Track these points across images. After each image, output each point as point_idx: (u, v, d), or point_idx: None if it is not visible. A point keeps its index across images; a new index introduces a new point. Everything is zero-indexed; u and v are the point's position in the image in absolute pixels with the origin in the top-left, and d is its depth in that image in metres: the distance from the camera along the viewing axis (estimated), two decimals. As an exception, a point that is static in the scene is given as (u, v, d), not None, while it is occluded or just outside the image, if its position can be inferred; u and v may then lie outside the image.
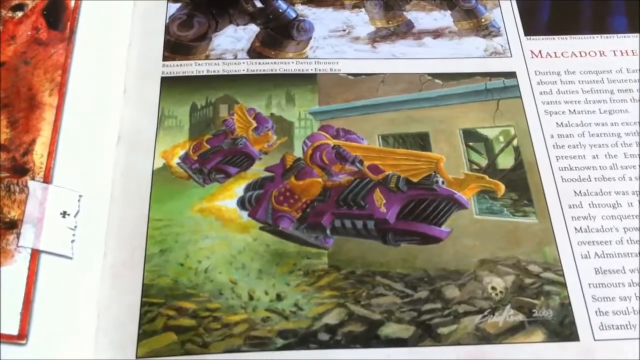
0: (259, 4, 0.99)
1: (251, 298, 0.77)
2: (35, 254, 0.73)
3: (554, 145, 0.87)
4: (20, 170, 0.76)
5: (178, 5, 0.99)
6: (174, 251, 0.79)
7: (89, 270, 0.76)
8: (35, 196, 0.75)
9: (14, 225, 0.74)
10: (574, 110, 0.90)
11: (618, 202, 0.83)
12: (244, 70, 0.93)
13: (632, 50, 0.96)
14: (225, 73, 0.92)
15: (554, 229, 0.81)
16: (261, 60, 0.94)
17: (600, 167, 0.85)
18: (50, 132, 0.79)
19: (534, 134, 0.88)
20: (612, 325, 0.76)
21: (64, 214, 0.76)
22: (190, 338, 0.74)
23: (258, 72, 0.93)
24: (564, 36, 0.97)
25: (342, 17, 1.00)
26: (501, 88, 0.91)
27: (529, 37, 0.97)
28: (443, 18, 1.00)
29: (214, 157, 0.89)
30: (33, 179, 0.76)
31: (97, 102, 0.85)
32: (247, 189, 0.85)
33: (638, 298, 0.77)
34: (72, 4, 0.89)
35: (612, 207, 0.83)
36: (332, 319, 0.76)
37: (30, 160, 0.77)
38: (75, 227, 0.76)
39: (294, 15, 0.99)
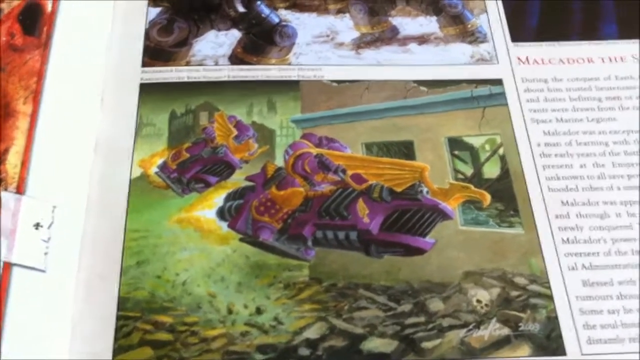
0: (241, 9, 0.98)
1: (230, 312, 0.75)
2: (7, 267, 0.71)
3: (540, 154, 0.86)
4: (-7, 180, 0.75)
5: (158, 9, 0.97)
6: (151, 263, 0.78)
7: (63, 283, 0.74)
8: (8, 207, 0.73)
9: (-15, 237, 0.72)
10: (561, 119, 0.88)
11: (606, 212, 0.82)
12: (225, 76, 0.91)
13: (621, 57, 0.94)
14: (206, 80, 0.91)
15: (540, 240, 0.80)
16: (243, 67, 0.93)
17: (587, 176, 0.84)
18: (24, 141, 0.78)
19: (520, 143, 0.87)
20: (600, 340, 0.74)
21: (37, 225, 0.74)
22: (167, 353, 0.72)
23: (239, 79, 0.91)
24: (552, 42, 0.96)
25: (326, 23, 0.99)
26: (487, 95, 0.90)
27: (516, 43, 0.96)
28: (429, 24, 0.99)
29: (194, 166, 0.87)
30: (6, 189, 0.74)
31: (74, 109, 0.83)
32: (227, 198, 0.84)
33: (626, 311, 0.76)
34: (49, 8, 0.87)
35: (600, 218, 0.81)
36: (313, 333, 0.74)
37: (2, 170, 0.75)
38: (49, 239, 0.74)
39: (276, 20, 0.98)
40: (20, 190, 0.75)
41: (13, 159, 0.76)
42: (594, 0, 1.01)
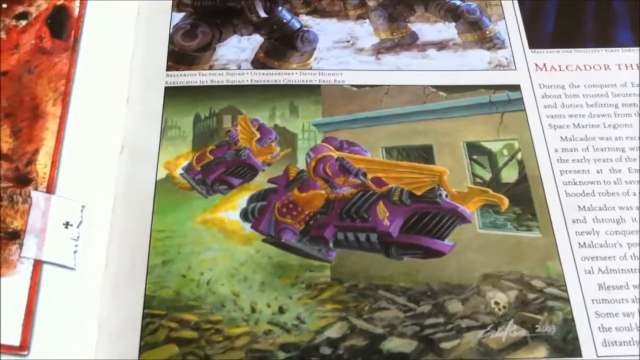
0: (263, 14, 0.99)
1: (253, 311, 0.76)
2: (37, 265, 0.73)
3: (558, 160, 0.87)
4: (24, 180, 0.76)
5: (182, 15, 0.99)
6: (176, 262, 0.79)
7: (91, 281, 0.76)
8: (38, 206, 0.75)
9: (16, 236, 0.73)
10: (578, 124, 0.89)
11: (622, 217, 0.83)
12: (247, 80, 0.92)
13: (637, 64, 0.95)
14: (229, 83, 0.92)
15: (557, 244, 0.81)
16: (265, 71, 0.94)
17: (604, 181, 0.85)
18: (53, 141, 0.79)
19: (538, 148, 0.88)
20: (615, 342, 0.75)
21: (67, 224, 0.75)
22: (192, 350, 0.74)
23: (262, 83, 0.92)
24: (569, 49, 0.97)
25: (346, 28, 1.00)
26: (505, 101, 0.91)
27: (533, 49, 0.97)
28: (447, 30, 1.00)
29: (217, 168, 0.88)
30: (36, 189, 0.76)
31: (101, 111, 0.85)
32: (250, 200, 0.85)
33: (641, 314, 0.77)
34: (77, 12, 0.89)
35: (616, 223, 0.82)
36: (334, 332, 0.75)
37: (33, 170, 0.77)
38: (78, 237, 0.76)
39: (298, 25, 0.99)
40: (50, 189, 0.76)
41: (43, 160, 0.78)
42: (607, 5, 1.02)
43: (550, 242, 0.81)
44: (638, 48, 0.97)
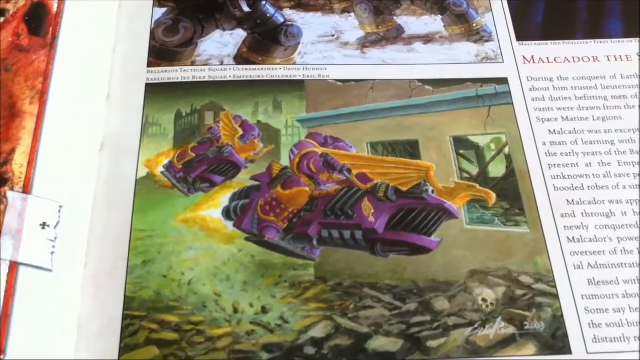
0: (246, 9, 0.98)
1: (236, 311, 0.75)
2: (13, 267, 0.71)
3: (546, 153, 0.86)
4: (-1, 180, 0.75)
5: (164, 10, 0.97)
6: (157, 262, 0.78)
7: (70, 282, 0.74)
8: (14, 207, 0.73)
9: (-9, 237, 0.72)
10: (567, 117, 0.88)
11: (612, 211, 0.82)
12: (230, 76, 0.91)
13: (627, 56, 0.94)
14: (211, 79, 0.91)
15: (546, 239, 0.80)
16: (248, 67, 0.93)
17: (593, 175, 0.84)
18: (30, 141, 0.78)
19: (525, 142, 0.87)
20: (606, 338, 0.74)
21: (44, 225, 0.74)
22: (173, 352, 0.72)
23: (245, 79, 0.91)
24: (557, 41, 0.96)
25: (331, 22, 0.99)
26: (492, 94, 0.90)
27: (521, 42, 0.96)
28: (434, 23, 0.99)
29: (199, 165, 0.87)
30: (12, 189, 0.74)
31: (80, 109, 0.83)
32: (233, 198, 0.84)
33: (632, 310, 0.76)
34: (55, 9, 0.88)
35: (605, 217, 0.81)
36: (318, 332, 0.74)
37: (9, 170, 0.75)
38: (56, 238, 0.74)
39: (282, 20, 0.98)
40: (26, 190, 0.75)
41: (19, 159, 0.76)
42: (599, -2, 1.01)
43: (538, 237, 0.80)
44: (628, 39, 0.96)
